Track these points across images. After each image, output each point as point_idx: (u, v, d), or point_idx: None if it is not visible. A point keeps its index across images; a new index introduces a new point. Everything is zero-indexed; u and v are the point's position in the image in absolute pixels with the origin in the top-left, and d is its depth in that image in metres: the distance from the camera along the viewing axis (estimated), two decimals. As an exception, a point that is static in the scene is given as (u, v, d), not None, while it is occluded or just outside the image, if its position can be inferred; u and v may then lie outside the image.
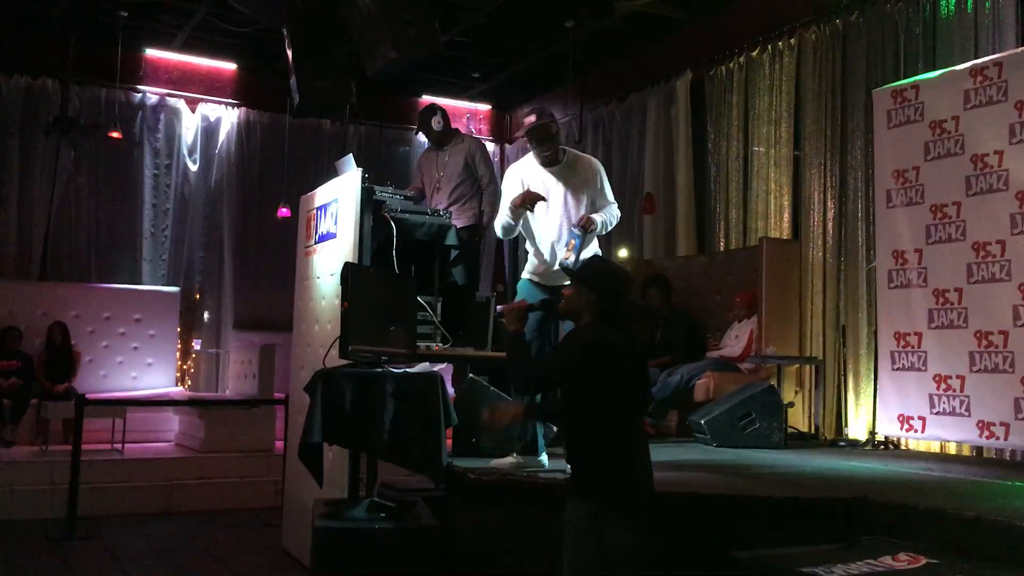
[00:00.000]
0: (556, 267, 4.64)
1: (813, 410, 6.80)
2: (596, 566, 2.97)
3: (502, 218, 4.78)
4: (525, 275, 4.85)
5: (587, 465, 3.10)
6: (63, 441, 7.80)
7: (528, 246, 4.88)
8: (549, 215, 4.69)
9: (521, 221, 4.73)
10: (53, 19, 8.87)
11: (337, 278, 4.99)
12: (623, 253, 8.18)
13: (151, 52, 10.00)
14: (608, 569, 2.95)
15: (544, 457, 4.51)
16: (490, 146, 11.75)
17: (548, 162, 4.70)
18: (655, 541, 3.08)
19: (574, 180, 4.71)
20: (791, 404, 6.58)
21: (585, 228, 4.54)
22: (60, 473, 6.89)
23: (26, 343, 8.71)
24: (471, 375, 5.34)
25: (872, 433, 6.32)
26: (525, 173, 4.78)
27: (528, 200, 4.59)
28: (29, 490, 7.19)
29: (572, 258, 4.53)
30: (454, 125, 6.57)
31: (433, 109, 6.39)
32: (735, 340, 7.10)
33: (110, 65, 9.59)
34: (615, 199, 4.85)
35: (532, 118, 4.68)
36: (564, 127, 10.42)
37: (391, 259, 5.09)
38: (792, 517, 3.66)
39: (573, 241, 4.58)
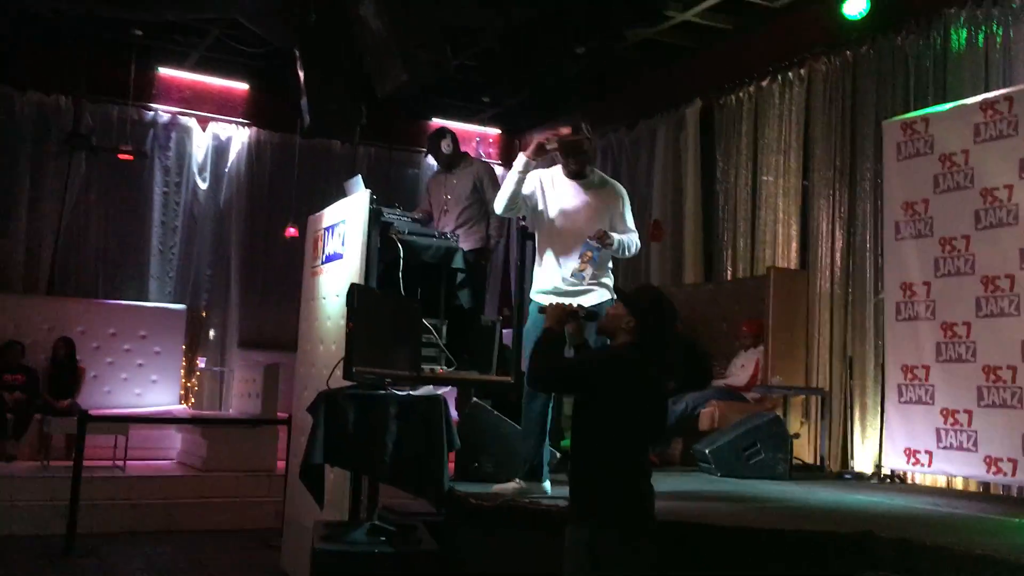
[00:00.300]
0: (567, 279, 4.51)
1: (819, 442, 6.75)
2: None
3: (507, 188, 4.61)
4: (534, 294, 4.64)
5: (590, 488, 3.08)
6: (65, 457, 7.77)
7: (539, 262, 4.69)
8: (565, 227, 4.55)
9: (523, 197, 4.57)
10: (67, 36, 8.94)
11: (343, 299, 4.97)
12: None
13: (164, 71, 10.07)
14: None
15: (547, 484, 4.47)
16: (499, 170, 11.67)
17: (573, 175, 4.63)
18: (655, 572, 3.04)
19: (596, 198, 4.61)
20: (797, 435, 6.53)
21: (601, 241, 4.43)
22: (61, 489, 6.85)
23: (31, 357, 8.71)
24: (475, 399, 5.32)
25: (878, 466, 6.27)
26: (545, 176, 4.67)
27: (538, 150, 4.50)
28: (30, 505, 7.17)
29: (588, 269, 4.45)
30: (463, 149, 6.60)
31: (443, 132, 6.43)
32: (741, 369, 7.06)
33: (123, 83, 9.68)
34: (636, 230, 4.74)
35: (567, 130, 4.60)
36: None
37: (398, 281, 5.09)
38: (797, 550, 3.62)
39: (589, 253, 4.47)
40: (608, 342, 3.38)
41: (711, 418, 6.54)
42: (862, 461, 6.64)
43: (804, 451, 6.82)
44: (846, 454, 6.83)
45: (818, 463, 6.63)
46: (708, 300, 7.90)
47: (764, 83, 7.98)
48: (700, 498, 4.83)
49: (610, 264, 4.71)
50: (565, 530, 3.07)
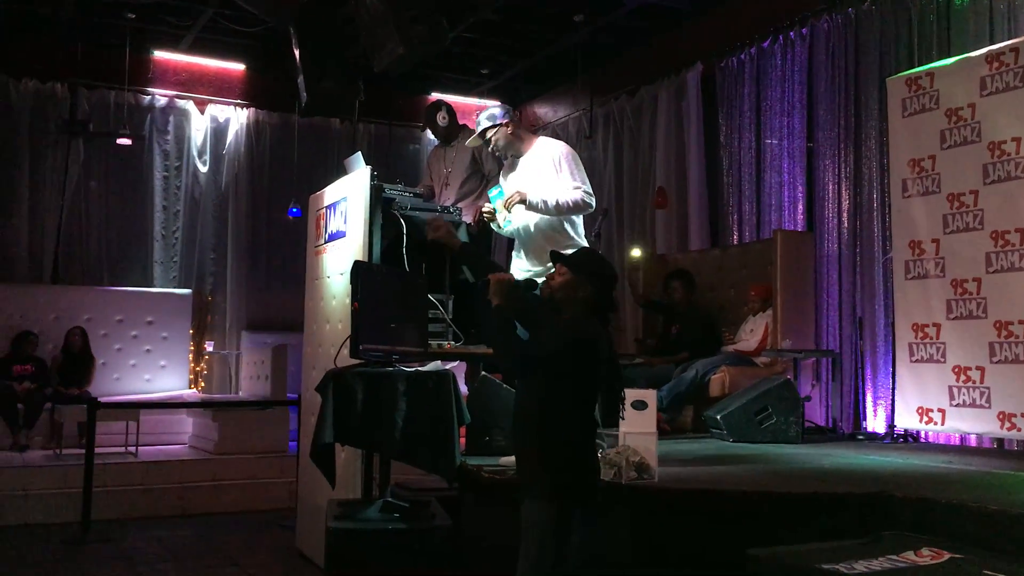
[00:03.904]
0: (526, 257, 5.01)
1: (830, 404, 6.72)
2: (565, 568, 2.93)
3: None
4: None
5: (552, 463, 3.04)
6: (77, 444, 7.79)
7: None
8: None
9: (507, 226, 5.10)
10: (61, 23, 8.85)
11: (347, 277, 4.95)
12: (636, 252, 8.07)
13: (159, 54, 9.99)
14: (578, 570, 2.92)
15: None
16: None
17: (510, 157, 5.16)
18: (629, 537, 3.04)
19: (526, 167, 5.09)
20: (808, 398, 6.50)
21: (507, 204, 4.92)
22: (74, 477, 6.88)
23: (39, 347, 8.72)
24: (484, 373, 5.29)
25: (891, 426, 6.25)
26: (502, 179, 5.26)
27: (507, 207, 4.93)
28: (44, 494, 7.19)
29: (499, 218, 5.00)
30: (463, 122, 6.54)
31: (438, 105, 6.38)
32: (750, 334, 7.02)
33: (118, 68, 9.61)
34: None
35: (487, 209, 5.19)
36: (574, 122, 10.40)
37: (401, 257, 5.05)
38: (811, 513, 3.60)
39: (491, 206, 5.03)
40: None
41: (721, 384, 6.51)
42: (874, 422, 6.62)
43: (816, 414, 6.80)
44: (858, 415, 6.81)
45: (830, 425, 6.61)
46: (715, 266, 7.85)
47: (765, 44, 7.88)
48: (713, 463, 4.82)
49: (574, 233, 4.99)
50: (521, 507, 3.03)
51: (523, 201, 4.81)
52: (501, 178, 5.22)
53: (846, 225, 7.05)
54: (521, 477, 3.15)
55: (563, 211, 4.90)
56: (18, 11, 8.60)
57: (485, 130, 5.11)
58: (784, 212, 7.61)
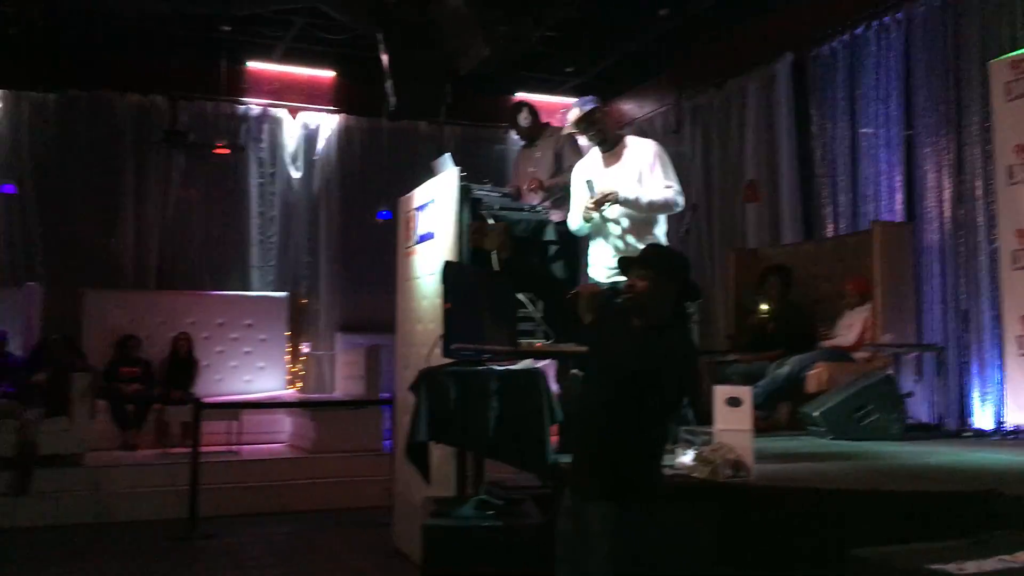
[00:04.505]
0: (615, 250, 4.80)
1: (935, 400, 6.49)
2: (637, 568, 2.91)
3: (574, 220, 5.01)
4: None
5: (632, 468, 3.03)
6: (182, 444, 8.09)
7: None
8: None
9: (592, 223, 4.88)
10: (160, 38, 9.21)
11: (437, 277, 5.01)
12: (764, 307, 7.63)
13: (253, 64, 10.30)
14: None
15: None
16: (584, 139, 11.66)
17: (601, 147, 4.98)
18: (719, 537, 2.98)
19: (620, 163, 4.91)
20: (911, 394, 6.29)
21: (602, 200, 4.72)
22: (180, 475, 7.14)
23: (146, 350, 9.07)
24: (574, 371, 5.29)
25: (1000, 422, 6.00)
26: (584, 165, 5.07)
27: (599, 205, 4.74)
28: (152, 491, 7.49)
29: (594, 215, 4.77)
30: (546, 120, 6.52)
31: (520, 106, 6.38)
32: (848, 329, 6.82)
33: (215, 79, 9.97)
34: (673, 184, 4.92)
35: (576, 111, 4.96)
36: (660, 117, 10.29)
37: (490, 257, 5.08)
38: (916, 512, 3.48)
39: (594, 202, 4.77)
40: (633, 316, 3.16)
41: (818, 380, 6.35)
42: (982, 418, 6.36)
43: (919, 410, 6.57)
44: (964, 411, 6.55)
45: (935, 422, 6.38)
46: (809, 260, 7.66)
47: (859, 31, 7.65)
48: (812, 461, 4.70)
49: (659, 232, 4.85)
50: (590, 509, 3.00)
51: (616, 200, 4.73)
52: (585, 174, 5.05)
53: (948, 215, 6.79)
54: (592, 479, 3.09)
55: (655, 210, 4.82)
56: (120, 28, 8.96)
57: (593, 111, 4.92)
58: (881, 203, 7.37)
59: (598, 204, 4.73)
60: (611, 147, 4.97)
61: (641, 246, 4.52)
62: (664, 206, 4.83)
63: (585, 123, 4.92)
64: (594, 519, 2.98)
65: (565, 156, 6.11)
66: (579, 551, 3.04)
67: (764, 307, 7.26)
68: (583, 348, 3.31)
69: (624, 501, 2.98)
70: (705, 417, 4.12)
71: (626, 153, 4.93)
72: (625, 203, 4.75)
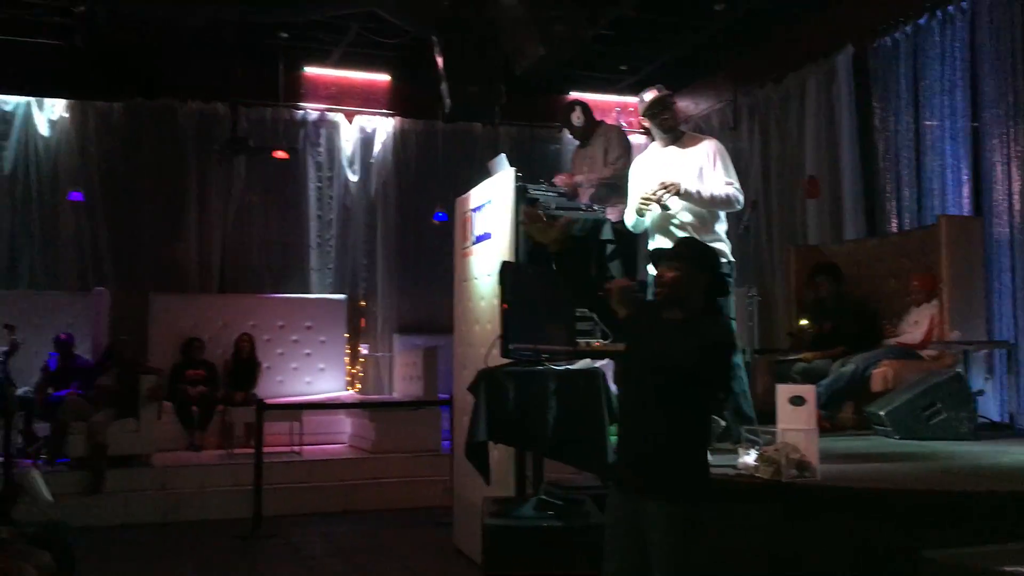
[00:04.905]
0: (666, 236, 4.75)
1: (1006, 398, 6.31)
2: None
3: (630, 215, 4.94)
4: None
5: (689, 464, 3.00)
6: (246, 444, 8.22)
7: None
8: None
9: (649, 216, 4.80)
10: (220, 46, 9.39)
11: (495, 278, 5.02)
12: (803, 322, 7.51)
13: (310, 70, 10.44)
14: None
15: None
16: (639, 138, 11.59)
17: (663, 137, 4.93)
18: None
19: (680, 156, 4.86)
20: (981, 392, 6.12)
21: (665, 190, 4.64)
22: (245, 475, 7.27)
23: (209, 352, 9.25)
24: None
25: (1075, 421, 5.81)
26: (640, 161, 5.03)
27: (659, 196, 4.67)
28: (218, 491, 7.64)
29: (654, 208, 4.71)
30: (602, 119, 6.48)
31: (572, 106, 6.33)
32: (914, 326, 6.67)
33: (273, 85, 10.15)
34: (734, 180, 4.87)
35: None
36: (718, 114, 10.18)
37: (548, 257, 5.06)
38: (988, 513, 3.39)
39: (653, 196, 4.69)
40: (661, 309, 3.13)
41: (884, 379, 6.21)
42: (1056, 417, 6.17)
43: (990, 408, 6.39)
44: (1037, 410, 6.36)
45: (1007, 420, 6.20)
46: (873, 256, 7.50)
47: (922, 21, 7.47)
48: (881, 461, 4.61)
49: (720, 229, 4.77)
50: (647, 508, 2.96)
51: (677, 192, 4.66)
52: (644, 168, 4.99)
53: (1018, 208, 6.60)
54: (644, 478, 3.04)
55: (716, 205, 4.76)
56: (181, 37, 9.16)
57: (669, 95, 4.90)
58: (948, 197, 7.19)
59: (658, 195, 4.65)
60: (676, 139, 4.92)
61: (708, 241, 4.50)
62: (725, 202, 4.77)
63: (660, 106, 4.88)
64: (652, 517, 2.95)
65: (611, 149, 6.06)
66: (629, 550, 3.02)
67: (804, 322, 7.17)
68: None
69: (679, 498, 2.95)
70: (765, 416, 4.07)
71: (687, 148, 4.88)
72: (686, 195, 4.67)
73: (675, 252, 3.20)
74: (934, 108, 7.36)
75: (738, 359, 4.79)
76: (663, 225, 4.83)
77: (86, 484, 7.35)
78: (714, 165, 4.79)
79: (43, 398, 7.94)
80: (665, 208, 4.66)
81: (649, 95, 4.88)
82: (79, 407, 7.66)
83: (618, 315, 3.17)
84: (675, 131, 4.93)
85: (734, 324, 4.87)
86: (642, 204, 4.71)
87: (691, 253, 3.16)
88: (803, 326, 7.18)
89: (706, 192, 4.70)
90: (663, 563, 2.92)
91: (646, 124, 5.00)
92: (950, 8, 7.20)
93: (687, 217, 4.78)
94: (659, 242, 4.79)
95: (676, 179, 4.67)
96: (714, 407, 3.15)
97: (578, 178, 6.01)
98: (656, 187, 4.65)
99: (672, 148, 4.89)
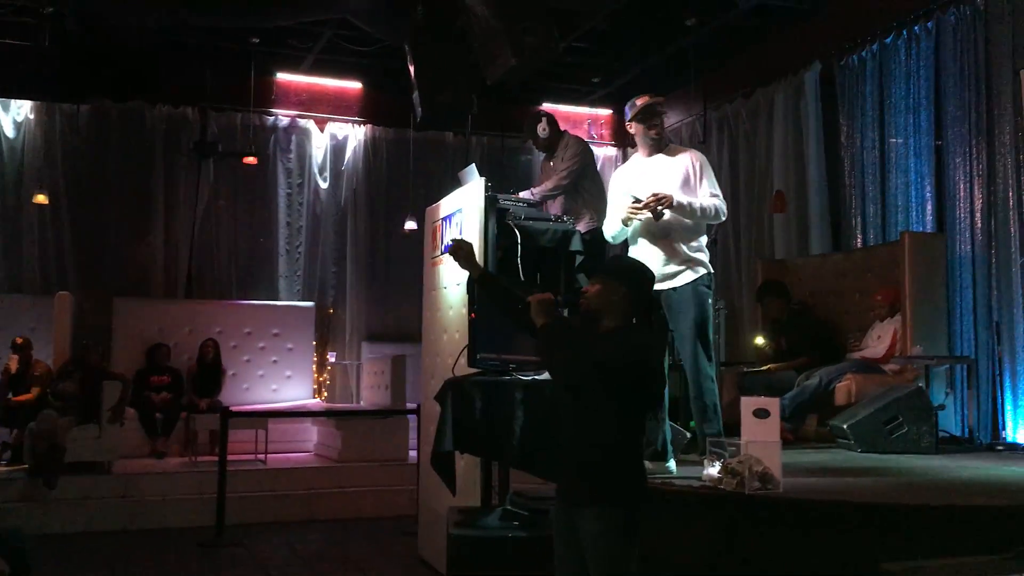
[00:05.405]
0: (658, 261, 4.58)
1: (966, 413, 6.41)
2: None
3: (611, 225, 4.78)
4: None
5: (618, 468, 3.03)
6: (210, 452, 8.14)
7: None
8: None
9: (631, 228, 4.68)
10: (191, 50, 9.32)
11: (463, 287, 5.02)
12: (759, 340, 7.55)
13: (281, 76, 10.39)
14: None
15: (672, 463, 4.38)
16: (612, 151, 11.67)
17: (649, 149, 4.78)
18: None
19: (665, 168, 4.73)
20: (942, 406, 6.20)
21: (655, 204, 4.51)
22: (208, 483, 7.20)
23: (175, 359, 9.15)
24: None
25: (1033, 436, 5.91)
26: (623, 173, 4.89)
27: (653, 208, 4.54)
28: (180, 499, 7.56)
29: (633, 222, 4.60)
30: (575, 132, 6.48)
31: (538, 116, 6.27)
32: (877, 340, 6.76)
33: (244, 91, 10.06)
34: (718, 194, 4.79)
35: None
36: (687, 127, 10.27)
37: (516, 266, 5.08)
38: (947, 526, 3.43)
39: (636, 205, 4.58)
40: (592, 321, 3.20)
41: (848, 392, 6.29)
42: (1015, 431, 6.26)
43: (950, 423, 6.48)
44: (997, 425, 6.45)
45: (967, 435, 6.30)
46: (837, 271, 7.60)
47: (888, 40, 7.59)
48: (842, 474, 4.66)
49: (703, 241, 4.71)
50: (585, 515, 2.99)
51: (671, 205, 4.55)
52: (627, 179, 4.85)
53: (979, 225, 6.71)
54: (576, 487, 3.08)
55: (704, 217, 4.69)
56: (151, 40, 9.08)
57: (660, 103, 4.79)
58: (912, 213, 7.30)
59: (652, 208, 4.52)
60: (661, 148, 4.80)
61: (691, 250, 4.55)
62: (713, 214, 4.71)
63: (651, 112, 4.75)
64: (586, 524, 2.99)
65: (568, 152, 6.02)
66: (571, 560, 3.06)
67: (760, 341, 7.25)
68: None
69: (608, 503, 2.98)
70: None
71: (671, 159, 4.79)
72: (679, 208, 4.58)
73: (603, 267, 3.43)
74: (899, 126, 7.47)
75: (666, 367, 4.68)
76: (647, 235, 4.70)
77: (39, 487, 7.21)
78: (700, 177, 4.74)
79: (4, 403, 7.83)
80: (659, 218, 4.54)
81: (640, 100, 4.77)
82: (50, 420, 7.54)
83: (536, 324, 3.22)
84: (662, 140, 4.83)
85: (713, 337, 4.82)
86: (631, 212, 4.60)
87: (615, 269, 3.36)
88: (759, 345, 7.28)
89: (696, 204, 4.63)
90: (596, 568, 2.95)
91: (632, 131, 4.84)
92: (915, 28, 7.33)
93: (677, 228, 4.66)
94: (643, 252, 4.67)
95: (668, 191, 4.57)
96: (643, 413, 3.20)
97: (534, 190, 5.96)
98: (649, 197, 4.54)
99: (659, 157, 4.78)
